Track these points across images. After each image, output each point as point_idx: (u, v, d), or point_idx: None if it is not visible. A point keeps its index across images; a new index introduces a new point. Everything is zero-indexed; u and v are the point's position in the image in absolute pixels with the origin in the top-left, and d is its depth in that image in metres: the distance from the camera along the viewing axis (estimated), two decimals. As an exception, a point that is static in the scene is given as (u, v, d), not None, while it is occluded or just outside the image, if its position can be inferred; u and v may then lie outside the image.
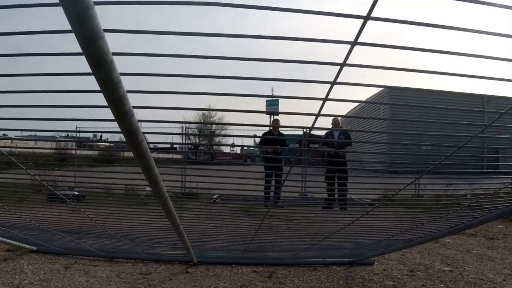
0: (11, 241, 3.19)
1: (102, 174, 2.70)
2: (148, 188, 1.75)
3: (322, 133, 7.64)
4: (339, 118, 7.69)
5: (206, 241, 3.23)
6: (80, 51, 0.69)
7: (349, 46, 0.95)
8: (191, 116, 38.31)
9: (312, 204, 4.95)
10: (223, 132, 33.59)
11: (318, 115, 1.23)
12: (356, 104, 21.90)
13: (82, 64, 0.77)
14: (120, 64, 0.77)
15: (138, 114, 1.07)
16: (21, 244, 3.38)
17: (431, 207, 3.51)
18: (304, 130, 1.72)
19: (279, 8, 0.89)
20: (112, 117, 0.90)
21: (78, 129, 8.83)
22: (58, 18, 0.82)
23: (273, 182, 6.79)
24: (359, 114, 22.03)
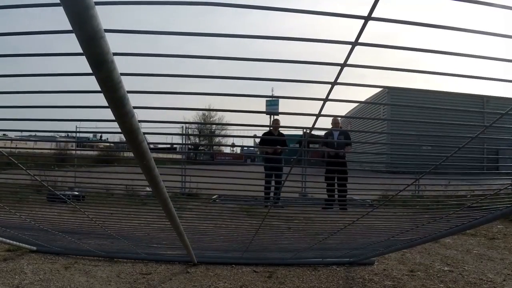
0: (11, 241, 3.19)
1: (102, 175, 2.70)
2: (148, 189, 1.75)
3: (322, 133, 7.63)
4: (339, 118, 7.69)
5: (206, 241, 3.23)
6: (81, 51, 0.69)
7: (349, 46, 0.95)
8: (191, 116, 38.32)
9: (311, 205, 4.95)
10: (223, 132, 33.59)
11: (318, 115, 1.23)
12: (356, 104, 21.91)
13: (82, 64, 0.77)
14: (121, 64, 0.78)
15: (138, 115, 1.07)
16: (21, 244, 3.38)
17: (431, 207, 3.51)
18: (304, 130, 1.72)
19: (279, 8, 0.89)
20: (113, 118, 0.90)
21: (78, 130, 8.83)
22: (58, 18, 0.82)
23: (273, 183, 6.79)
24: (359, 114, 22.04)
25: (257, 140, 9.49)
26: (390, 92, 17.31)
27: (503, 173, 4.10)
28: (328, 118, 7.59)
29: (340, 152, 6.52)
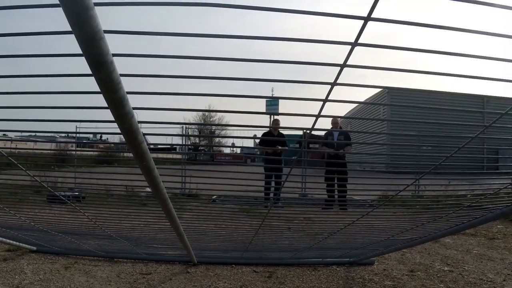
0: (11, 241, 3.19)
1: (102, 175, 2.69)
2: (148, 189, 1.75)
3: (322, 133, 7.63)
4: (339, 118, 7.68)
5: (206, 241, 3.23)
6: (80, 52, 0.69)
7: (349, 46, 0.95)
8: (191, 116, 38.33)
9: (310, 205, 4.95)
10: (223, 133, 33.58)
11: (318, 116, 1.23)
12: (356, 104, 21.91)
13: (82, 65, 0.77)
14: (120, 65, 0.77)
15: (138, 115, 1.07)
16: (21, 244, 3.38)
17: (431, 207, 3.51)
18: (304, 130, 1.72)
19: (280, 9, 0.89)
20: (112, 118, 0.90)
21: (78, 130, 8.83)
22: (58, 19, 0.82)
23: (273, 183, 6.80)
24: (359, 114, 22.04)
25: (257, 140, 9.49)
26: (390, 92, 17.31)
27: (503, 173, 4.10)
28: (328, 119, 7.60)
29: (340, 153, 6.51)
